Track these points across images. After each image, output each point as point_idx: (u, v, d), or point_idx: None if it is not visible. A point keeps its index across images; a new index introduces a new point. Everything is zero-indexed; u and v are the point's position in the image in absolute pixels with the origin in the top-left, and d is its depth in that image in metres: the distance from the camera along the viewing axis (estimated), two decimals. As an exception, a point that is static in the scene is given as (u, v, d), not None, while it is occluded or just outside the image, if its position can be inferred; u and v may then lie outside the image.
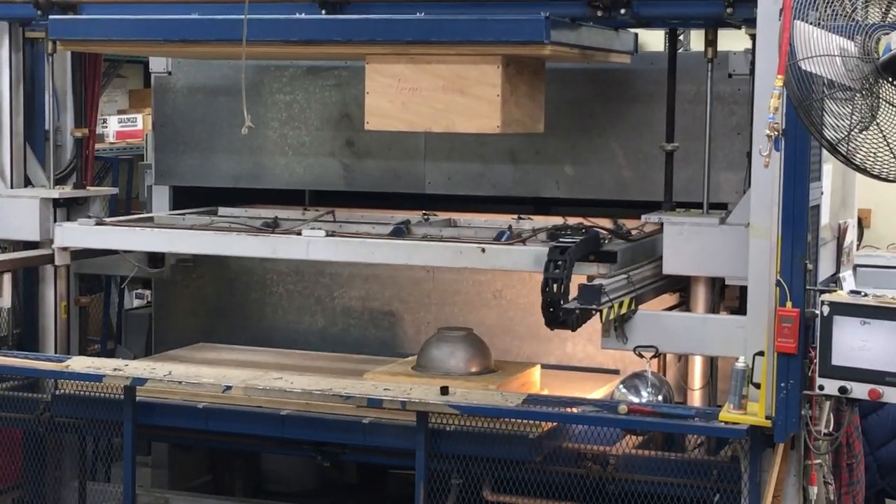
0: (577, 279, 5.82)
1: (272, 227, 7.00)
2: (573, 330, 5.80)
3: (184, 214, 7.41)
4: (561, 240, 6.01)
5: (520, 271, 6.71)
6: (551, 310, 5.65)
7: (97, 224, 6.99)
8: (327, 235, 6.48)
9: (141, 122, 11.29)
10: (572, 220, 6.69)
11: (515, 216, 7.08)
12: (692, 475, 5.82)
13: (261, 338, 7.96)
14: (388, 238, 6.53)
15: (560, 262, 5.71)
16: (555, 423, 6.03)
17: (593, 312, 5.72)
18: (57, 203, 7.28)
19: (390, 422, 6.16)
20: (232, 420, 6.41)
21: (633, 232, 6.58)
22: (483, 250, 6.18)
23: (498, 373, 6.64)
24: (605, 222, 6.68)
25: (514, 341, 7.37)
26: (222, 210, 7.62)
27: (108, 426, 6.62)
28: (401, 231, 6.66)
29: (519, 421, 6.00)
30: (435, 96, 6.13)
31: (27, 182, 7.44)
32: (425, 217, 7.12)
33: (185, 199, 8.02)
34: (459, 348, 6.66)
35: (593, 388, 6.79)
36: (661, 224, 6.15)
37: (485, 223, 7.02)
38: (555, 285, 5.65)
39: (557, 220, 6.81)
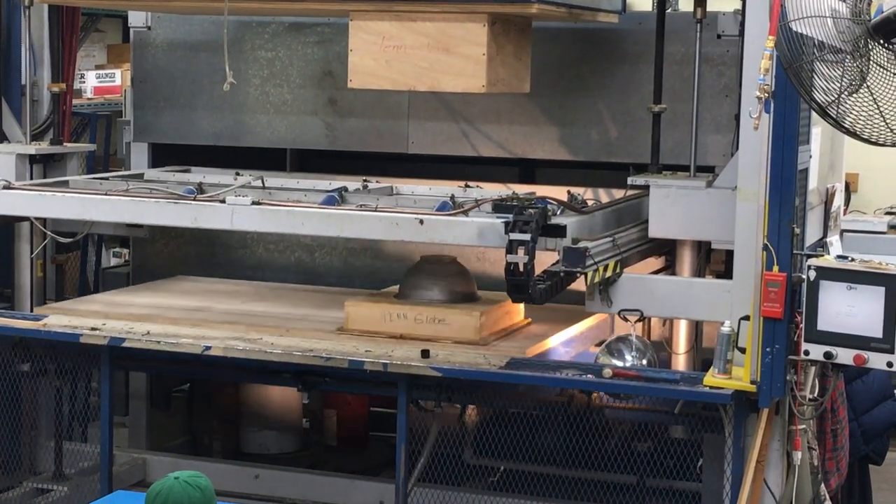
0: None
1: (196, 193, 6.55)
2: (540, 304, 5.74)
3: (103, 179, 7.05)
4: (517, 216, 5.60)
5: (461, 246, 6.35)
6: (517, 291, 5.56)
7: (4, 188, 6.53)
8: (253, 204, 6.07)
9: (119, 77, 11.16)
10: (521, 190, 6.40)
11: (463, 184, 6.81)
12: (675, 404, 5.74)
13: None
14: (319, 207, 6.10)
15: (523, 244, 5.47)
16: (540, 350, 5.99)
17: (578, 275, 5.68)
18: (33, 159, 7.19)
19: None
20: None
21: (593, 202, 6.43)
22: (421, 222, 5.81)
23: (481, 301, 6.47)
24: (561, 192, 6.34)
25: (499, 270, 7.23)
26: (149, 173, 7.39)
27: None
28: (333, 200, 6.21)
29: (503, 346, 5.98)
30: (420, 54, 6.05)
31: (3, 137, 7.34)
32: (364, 184, 6.82)
33: (164, 156, 7.93)
34: (442, 276, 6.48)
35: (579, 317, 6.58)
36: (647, 186, 6.10)
37: (429, 192, 6.68)
38: (520, 266, 5.48)
39: (504, 190, 6.55)
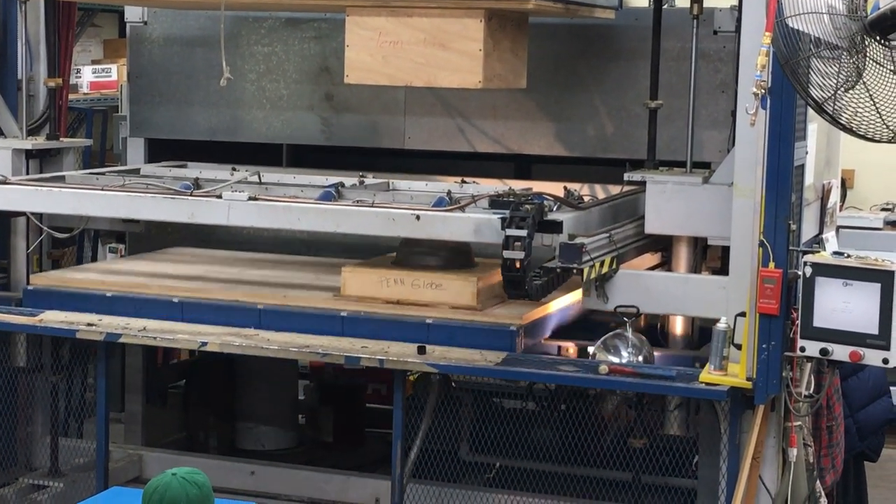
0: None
1: (193, 188, 6.52)
2: (536, 300, 5.74)
3: (99, 174, 7.04)
4: (513, 212, 5.59)
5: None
6: (513, 287, 5.57)
7: (1, 183, 6.53)
8: (250, 199, 6.08)
9: (116, 72, 11.12)
10: (518, 185, 6.42)
11: (459, 179, 6.82)
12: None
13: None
14: (315, 203, 6.11)
15: (519, 240, 5.47)
16: (537, 316, 6.01)
17: (574, 271, 5.67)
18: (30, 154, 7.17)
19: (368, 316, 6.12)
20: (208, 316, 6.32)
21: (590, 198, 6.43)
22: (418, 218, 5.81)
23: (478, 267, 6.43)
24: (558, 188, 6.35)
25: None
26: (145, 169, 7.39)
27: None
28: (330, 195, 6.21)
29: (500, 312, 5.99)
30: (416, 50, 6.05)
31: (-1, 132, 7.33)
32: (361, 180, 6.81)
33: (160, 151, 7.92)
34: (439, 243, 6.38)
35: (576, 285, 6.39)
36: (644, 182, 6.10)
37: (425, 187, 6.69)
38: (517, 263, 5.48)
39: (500, 186, 6.56)
